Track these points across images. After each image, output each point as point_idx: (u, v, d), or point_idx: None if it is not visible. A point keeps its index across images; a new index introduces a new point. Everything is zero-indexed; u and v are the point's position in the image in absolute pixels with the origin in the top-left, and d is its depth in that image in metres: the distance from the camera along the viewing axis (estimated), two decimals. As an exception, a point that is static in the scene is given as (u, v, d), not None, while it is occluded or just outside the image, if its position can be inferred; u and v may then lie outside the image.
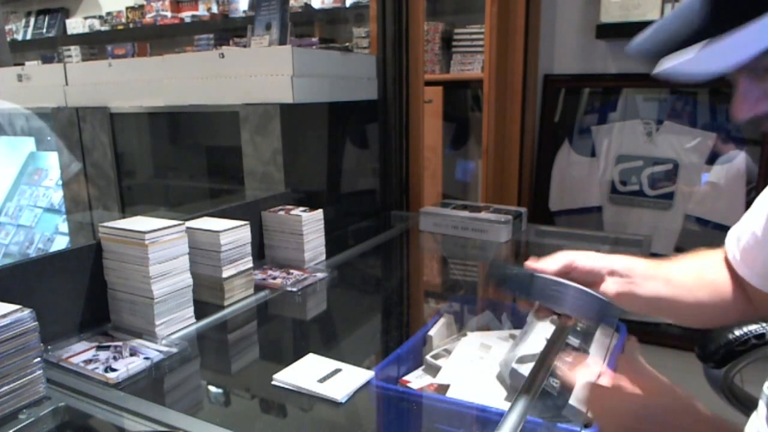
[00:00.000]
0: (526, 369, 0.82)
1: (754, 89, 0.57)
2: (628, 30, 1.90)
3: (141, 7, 3.80)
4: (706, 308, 0.82)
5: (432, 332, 1.02)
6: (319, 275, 1.32)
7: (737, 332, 1.16)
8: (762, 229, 0.74)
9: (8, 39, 4.10)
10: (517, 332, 1.02)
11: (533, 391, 0.73)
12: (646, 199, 2.05)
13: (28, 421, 0.75)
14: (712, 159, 1.94)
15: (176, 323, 1.04)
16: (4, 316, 0.75)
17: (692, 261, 0.86)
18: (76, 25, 4.17)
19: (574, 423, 0.76)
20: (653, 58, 0.58)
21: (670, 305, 0.81)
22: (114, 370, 0.87)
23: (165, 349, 0.96)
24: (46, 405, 0.78)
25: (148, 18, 3.72)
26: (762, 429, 0.60)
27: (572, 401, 0.78)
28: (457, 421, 0.81)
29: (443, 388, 0.90)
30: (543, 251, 0.85)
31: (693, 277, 0.82)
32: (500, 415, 0.69)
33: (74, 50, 3.68)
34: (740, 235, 0.79)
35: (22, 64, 2.81)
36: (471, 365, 0.93)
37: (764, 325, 1.16)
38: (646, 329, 1.99)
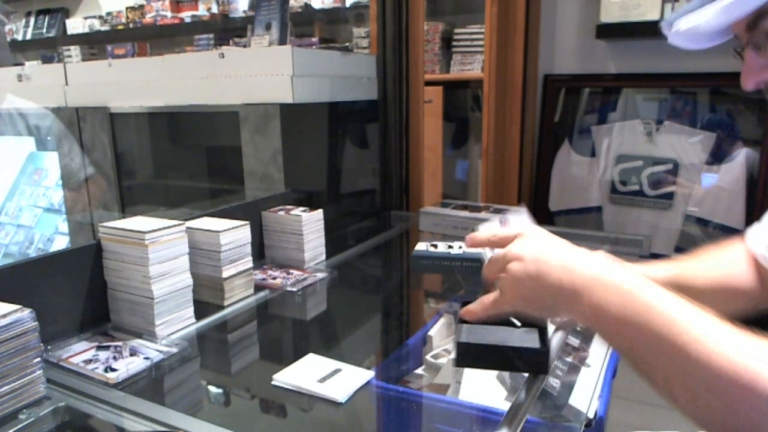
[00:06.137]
0: (526, 369, 0.82)
1: (758, 60, 0.67)
2: (628, 30, 1.90)
3: (141, 7, 3.81)
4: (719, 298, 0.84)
5: (432, 332, 1.02)
6: (319, 275, 1.32)
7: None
8: None
9: (8, 39, 4.10)
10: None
11: (533, 392, 0.73)
12: (646, 199, 2.05)
13: (28, 421, 0.75)
14: (712, 159, 1.94)
15: (176, 323, 1.04)
16: (4, 316, 0.75)
17: (702, 260, 0.88)
18: (76, 25, 4.18)
19: (574, 423, 0.76)
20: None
21: None
22: (114, 370, 0.87)
23: (165, 349, 0.96)
24: (46, 405, 0.78)
25: (148, 18, 3.72)
26: None
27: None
28: (457, 421, 0.81)
29: (443, 388, 0.90)
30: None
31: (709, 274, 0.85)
32: (500, 415, 0.69)
33: (74, 50, 3.68)
34: None
35: (22, 64, 2.81)
36: (471, 365, 0.93)
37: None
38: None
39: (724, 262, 0.87)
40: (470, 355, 0.74)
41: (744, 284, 0.85)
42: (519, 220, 0.73)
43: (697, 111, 1.97)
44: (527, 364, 0.70)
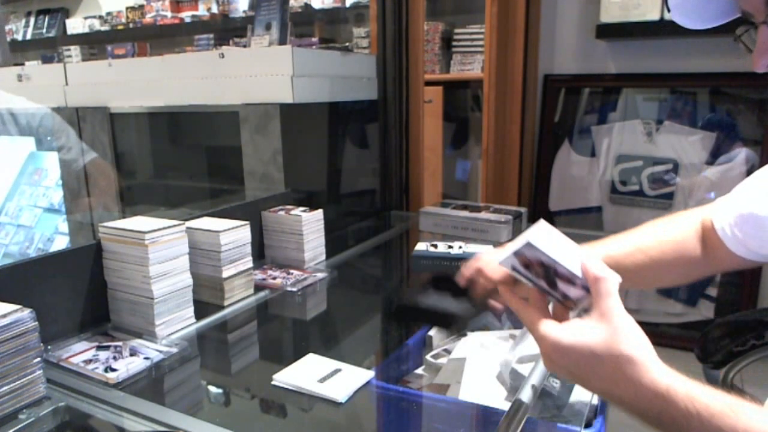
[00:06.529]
0: (526, 369, 0.82)
1: None
2: (628, 30, 1.90)
3: (141, 7, 3.80)
4: (671, 268, 0.88)
5: (432, 332, 1.02)
6: (319, 275, 1.32)
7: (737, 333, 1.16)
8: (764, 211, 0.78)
9: (8, 39, 4.10)
10: (516, 332, 1.02)
11: (533, 391, 0.73)
12: (646, 199, 2.05)
13: (28, 421, 0.75)
14: (712, 159, 1.94)
15: (176, 323, 1.04)
16: (4, 316, 0.75)
17: (654, 229, 0.92)
18: (76, 25, 4.17)
19: (574, 423, 0.76)
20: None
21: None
22: (114, 370, 0.87)
23: (165, 349, 0.96)
24: (46, 405, 0.78)
25: (148, 18, 3.72)
26: None
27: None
28: (457, 421, 0.81)
29: (443, 388, 0.90)
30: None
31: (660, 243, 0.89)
32: (500, 415, 0.69)
33: (74, 50, 3.68)
34: (735, 214, 0.84)
35: (22, 64, 2.81)
36: (471, 365, 0.93)
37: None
38: (645, 329, 1.98)
39: (674, 237, 0.90)
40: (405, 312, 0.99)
41: (692, 255, 0.88)
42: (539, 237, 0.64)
43: (697, 111, 1.97)
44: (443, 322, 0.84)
